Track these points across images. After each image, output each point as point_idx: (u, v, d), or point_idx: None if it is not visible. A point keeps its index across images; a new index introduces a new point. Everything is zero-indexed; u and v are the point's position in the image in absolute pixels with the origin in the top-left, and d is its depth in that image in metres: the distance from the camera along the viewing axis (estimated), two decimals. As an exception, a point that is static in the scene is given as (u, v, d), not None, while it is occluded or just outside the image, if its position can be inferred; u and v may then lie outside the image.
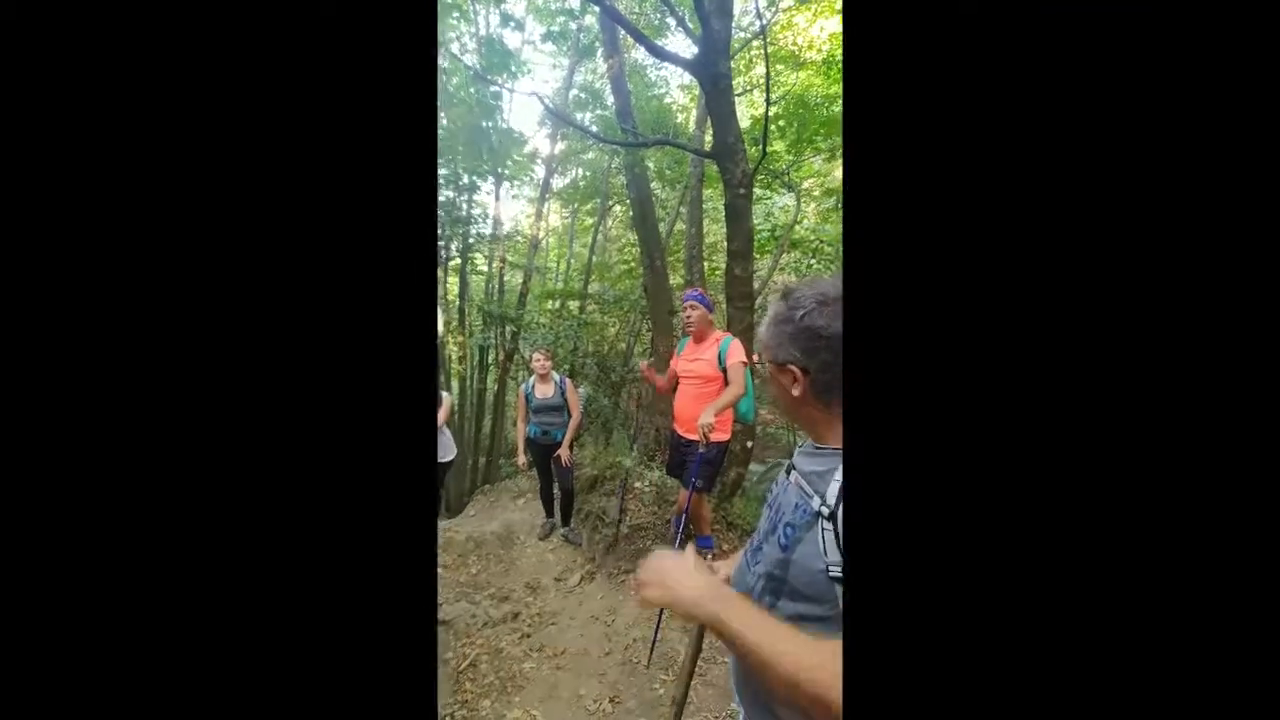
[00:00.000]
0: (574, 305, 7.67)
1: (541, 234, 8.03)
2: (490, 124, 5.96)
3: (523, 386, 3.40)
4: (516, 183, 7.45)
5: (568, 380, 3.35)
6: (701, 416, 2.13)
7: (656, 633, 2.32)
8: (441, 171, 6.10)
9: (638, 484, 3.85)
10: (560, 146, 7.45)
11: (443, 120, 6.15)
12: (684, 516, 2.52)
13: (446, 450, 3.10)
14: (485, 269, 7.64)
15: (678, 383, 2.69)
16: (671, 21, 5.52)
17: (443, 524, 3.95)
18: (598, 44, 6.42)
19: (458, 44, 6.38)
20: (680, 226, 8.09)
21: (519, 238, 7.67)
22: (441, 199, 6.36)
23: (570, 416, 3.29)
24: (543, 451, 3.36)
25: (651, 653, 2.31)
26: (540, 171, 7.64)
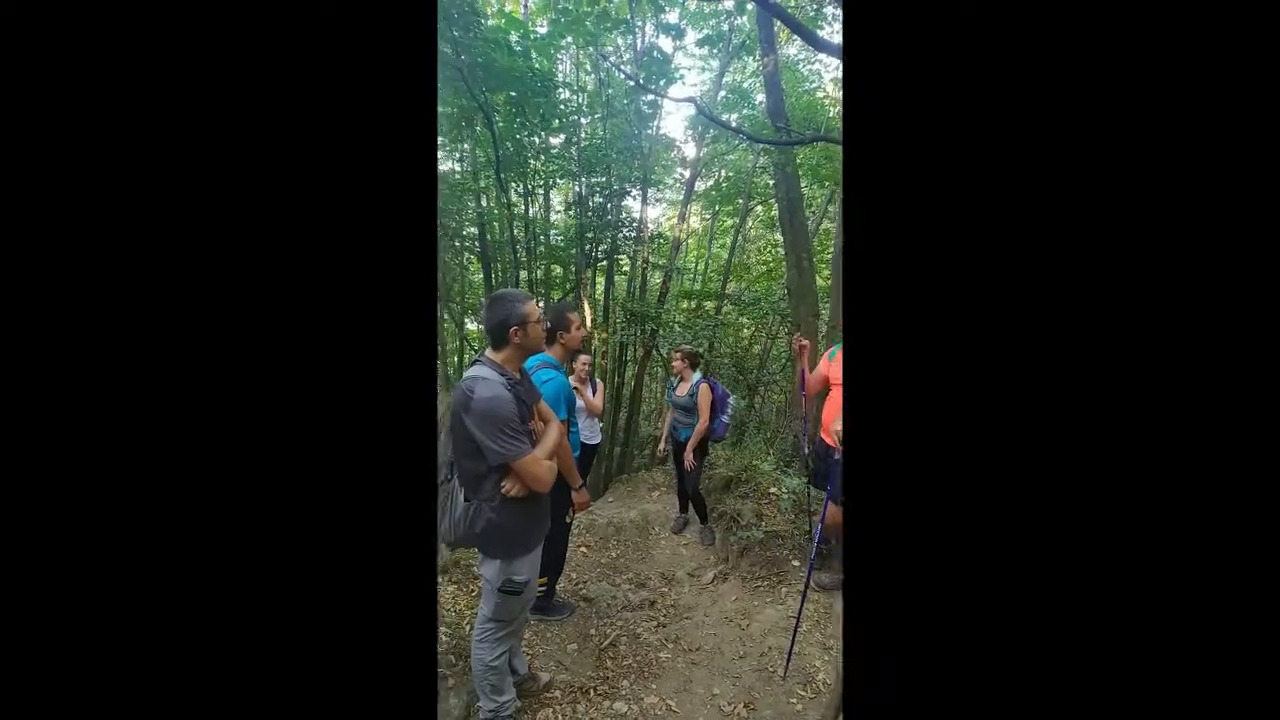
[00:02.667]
0: (709, 305, 7.70)
1: (682, 235, 8.17)
2: (644, 131, 6.19)
3: (669, 382, 3.52)
4: (661, 186, 7.68)
5: (702, 384, 3.36)
6: (834, 424, 2.03)
7: (792, 645, 2.26)
8: (596, 180, 6.48)
9: (773, 489, 3.77)
10: (706, 149, 7.51)
11: (599, 132, 6.54)
12: (823, 528, 2.42)
13: (593, 434, 3.32)
14: (628, 269, 7.98)
15: (828, 389, 2.58)
16: (829, 11, 5.28)
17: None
18: (748, 43, 6.36)
19: (614, 56, 6.72)
20: (826, 225, 7.71)
21: (661, 239, 7.88)
22: (593, 204, 6.77)
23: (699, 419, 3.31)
24: (676, 449, 3.44)
25: (788, 665, 2.26)
26: (683, 174, 7.78)
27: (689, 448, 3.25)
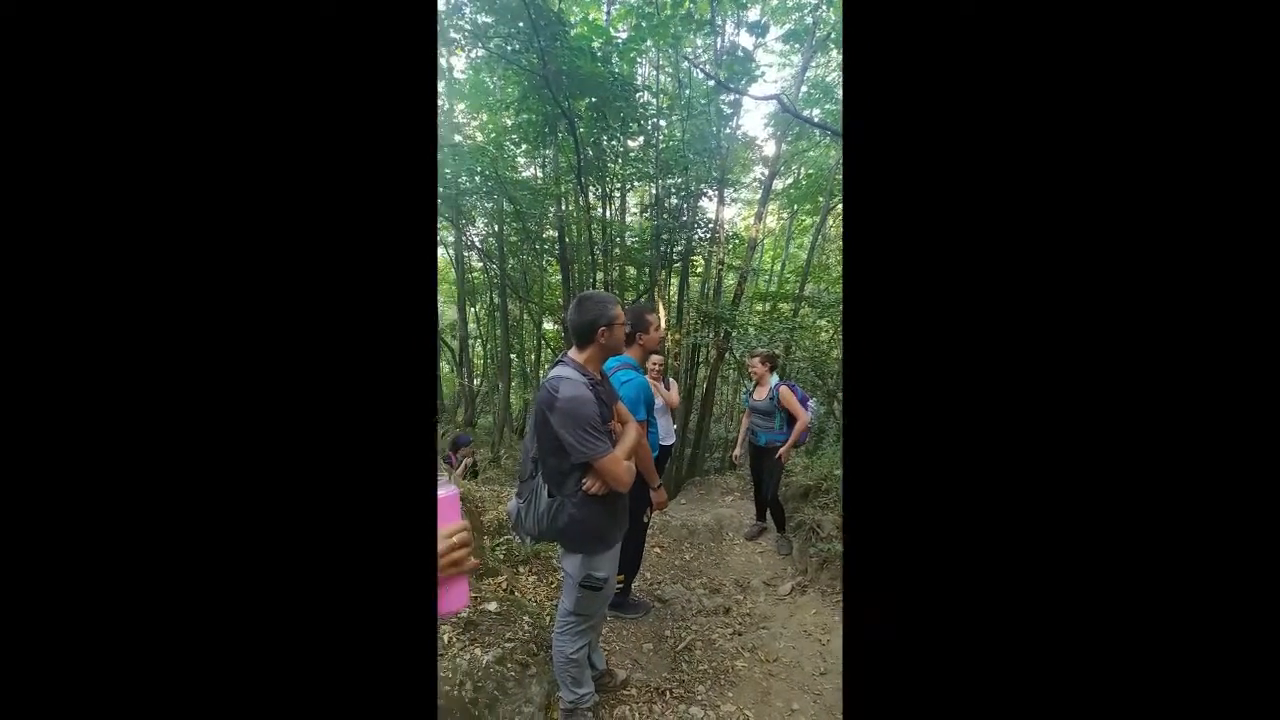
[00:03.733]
0: (785, 308, 7.48)
1: (759, 235, 8.00)
2: (723, 131, 6.13)
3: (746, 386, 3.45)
4: (738, 186, 7.56)
5: (781, 386, 3.27)
6: None
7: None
8: (673, 181, 6.49)
9: (856, 502, 3.59)
10: (786, 147, 7.31)
11: (677, 133, 6.54)
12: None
13: (669, 435, 3.32)
14: (702, 271, 7.93)
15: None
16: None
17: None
18: (833, 36, 6.12)
19: (694, 56, 6.70)
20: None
21: (736, 240, 7.76)
22: (669, 206, 6.78)
23: (784, 422, 3.21)
24: (754, 454, 3.36)
25: (874, 686, 2.14)
26: (761, 172, 7.62)
27: (789, 443, 3.17)
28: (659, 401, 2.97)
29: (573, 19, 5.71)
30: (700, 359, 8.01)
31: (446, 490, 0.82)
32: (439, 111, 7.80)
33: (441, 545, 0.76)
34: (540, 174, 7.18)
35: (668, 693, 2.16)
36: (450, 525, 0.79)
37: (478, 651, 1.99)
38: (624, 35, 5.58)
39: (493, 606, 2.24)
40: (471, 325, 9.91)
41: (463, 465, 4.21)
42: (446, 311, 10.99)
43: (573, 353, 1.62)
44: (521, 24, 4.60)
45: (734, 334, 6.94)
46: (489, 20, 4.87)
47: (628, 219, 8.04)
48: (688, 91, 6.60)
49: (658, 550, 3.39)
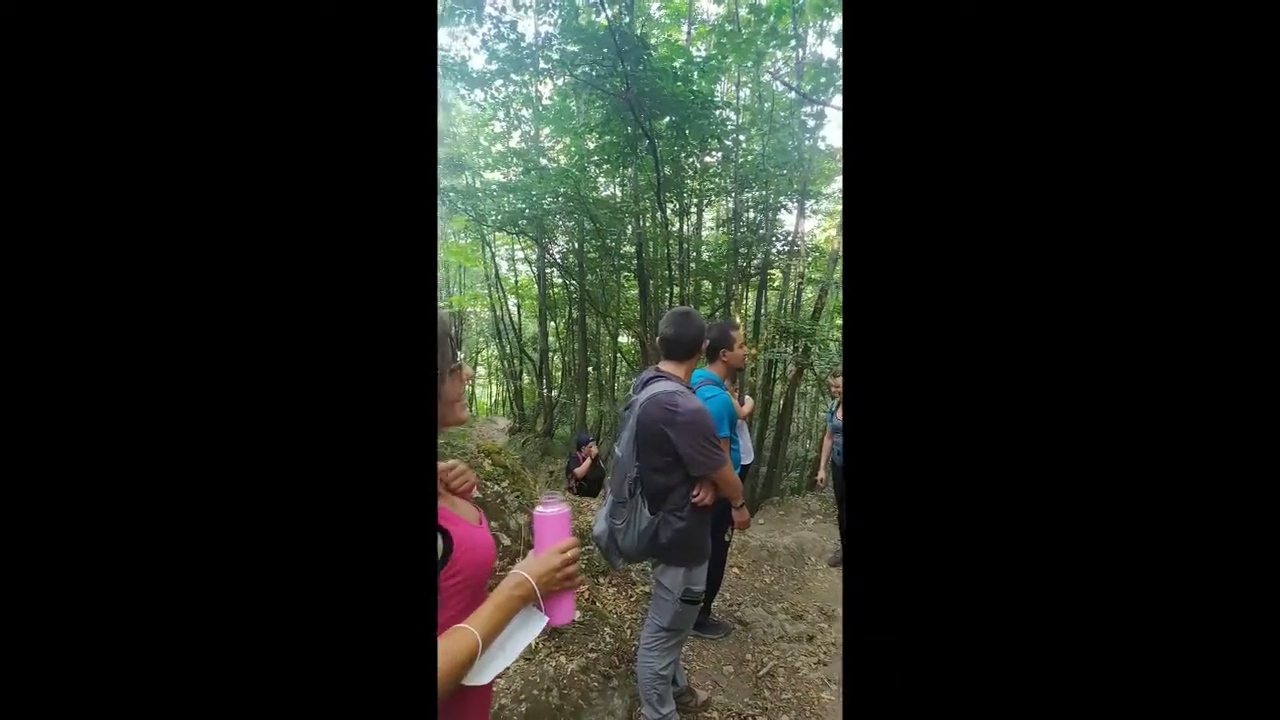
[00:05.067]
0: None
1: (841, 248, 7.73)
2: (805, 142, 6.03)
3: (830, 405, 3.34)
4: (819, 197, 7.37)
5: None
6: None
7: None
8: (751, 195, 6.45)
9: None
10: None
11: (755, 147, 6.50)
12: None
13: (746, 453, 3.25)
14: (780, 285, 7.77)
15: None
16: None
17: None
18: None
19: (774, 69, 6.65)
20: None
21: (817, 252, 7.55)
22: (746, 220, 6.73)
23: None
24: (838, 476, 3.23)
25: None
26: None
27: None
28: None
29: (653, 40, 5.86)
30: (776, 375, 7.82)
31: (560, 508, 0.85)
32: (534, 136, 8.23)
33: (556, 560, 0.80)
34: (619, 193, 7.37)
35: (750, 718, 2.10)
36: (564, 541, 0.83)
37: (562, 659, 2.04)
38: (703, 53, 5.65)
39: (576, 616, 2.29)
40: (551, 339, 10.28)
41: (587, 461, 4.41)
42: (528, 325, 11.49)
43: (669, 366, 1.63)
44: (606, 50, 4.80)
45: (814, 349, 6.73)
46: (574, 49, 5.11)
47: (704, 234, 8.05)
48: (768, 105, 6.55)
49: (736, 571, 3.32)
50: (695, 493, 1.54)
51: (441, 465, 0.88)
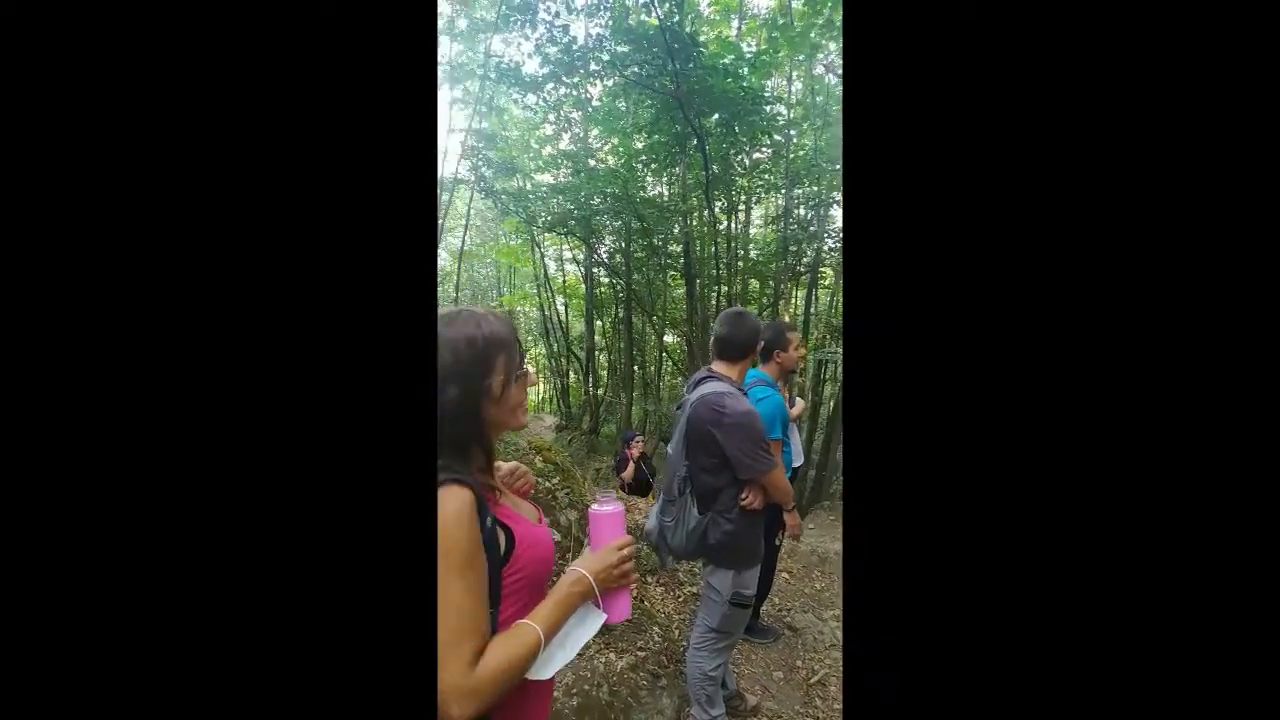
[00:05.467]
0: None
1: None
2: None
3: None
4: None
5: None
6: None
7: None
8: (802, 191, 6.30)
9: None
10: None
11: (807, 142, 6.35)
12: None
13: (796, 456, 3.18)
14: (831, 283, 7.56)
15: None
16: None
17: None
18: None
19: (827, 62, 6.47)
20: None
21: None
22: (797, 217, 6.58)
23: None
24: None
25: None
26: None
27: None
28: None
29: (703, 37, 5.82)
30: (826, 375, 7.61)
31: (615, 506, 0.86)
32: (583, 138, 8.34)
33: (613, 558, 0.81)
34: (666, 191, 7.36)
35: (801, 728, 2.06)
36: (621, 539, 0.84)
37: (612, 656, 2.06)
38: (754, 48, 5.56)
39: (630, 615, 2.31)
40: (598, 338, 10.40)
41: (631, 466, 4.45)
42: (575, 324, 11.65)
43: (721, 367, 1.62)
44: (656, 50, 4.80)
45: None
46: (624, 50, 5.14)
47: (752, 231, 7.93)
48: (820, 99, 6.39)
49: (785, 576, 3.26)
50: (744, 496, 1.52)
51: (505, 467, 0.91)
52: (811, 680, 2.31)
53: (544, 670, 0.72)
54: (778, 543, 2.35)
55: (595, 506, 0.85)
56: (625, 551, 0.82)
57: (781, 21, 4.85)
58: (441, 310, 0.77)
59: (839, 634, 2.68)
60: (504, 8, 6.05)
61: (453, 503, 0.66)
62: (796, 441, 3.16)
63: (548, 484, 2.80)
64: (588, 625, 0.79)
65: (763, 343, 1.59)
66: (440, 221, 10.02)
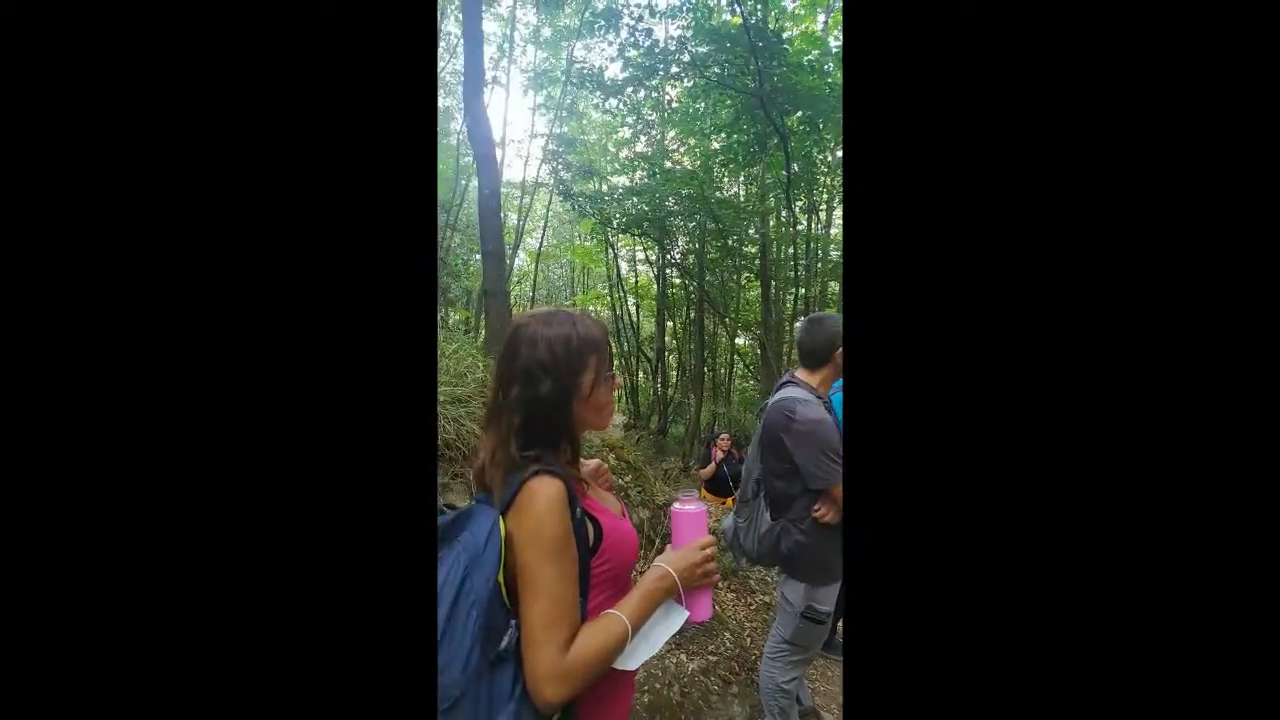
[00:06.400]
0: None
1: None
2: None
3: None
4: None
5: None
6: None
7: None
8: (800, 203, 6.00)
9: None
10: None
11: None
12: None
13: None
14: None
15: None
16: None
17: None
18: None
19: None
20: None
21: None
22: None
23: None
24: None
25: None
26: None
27: None
28: None
29: (786, 34, 5.68)
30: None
31: (698, 505, 0.86)
32: (660, 140, 8.40)
33: (696, 556, 0.80)
34: (744, 192, 7.24)
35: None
36: (704, 539, 0.83)
37: (683, 657, 2.05)
38: (839, 43, 5.35)
39: (711, 614, 2.29)
40: (668, 338, 10.42)
41: (723, 452, 4.38)
42: (645, 325, 11.75)
43: (802, 374, 1.59)
44: (739, 49, 4.73)
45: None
46: (705, 50, 5.11)
47: (833, 232, 7.64)
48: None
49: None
50: (817, 507, 1.47)
51: (589, 465, 0.93)
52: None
53: (630, 661, 0.73)
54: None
55: (678, 505, 0.85)
56: (708, 551, 0.82)
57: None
58: (541, 310, 0.81)
59: (923, 659, 2.51)
60: (588, 14, 6.20)
61: (546, 491, 0.68)
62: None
63: (620, 481, 2.83)
64: (671, 621, 0.79)
65: (839, 347, 1.51)
66: (519, 223, 10.45)
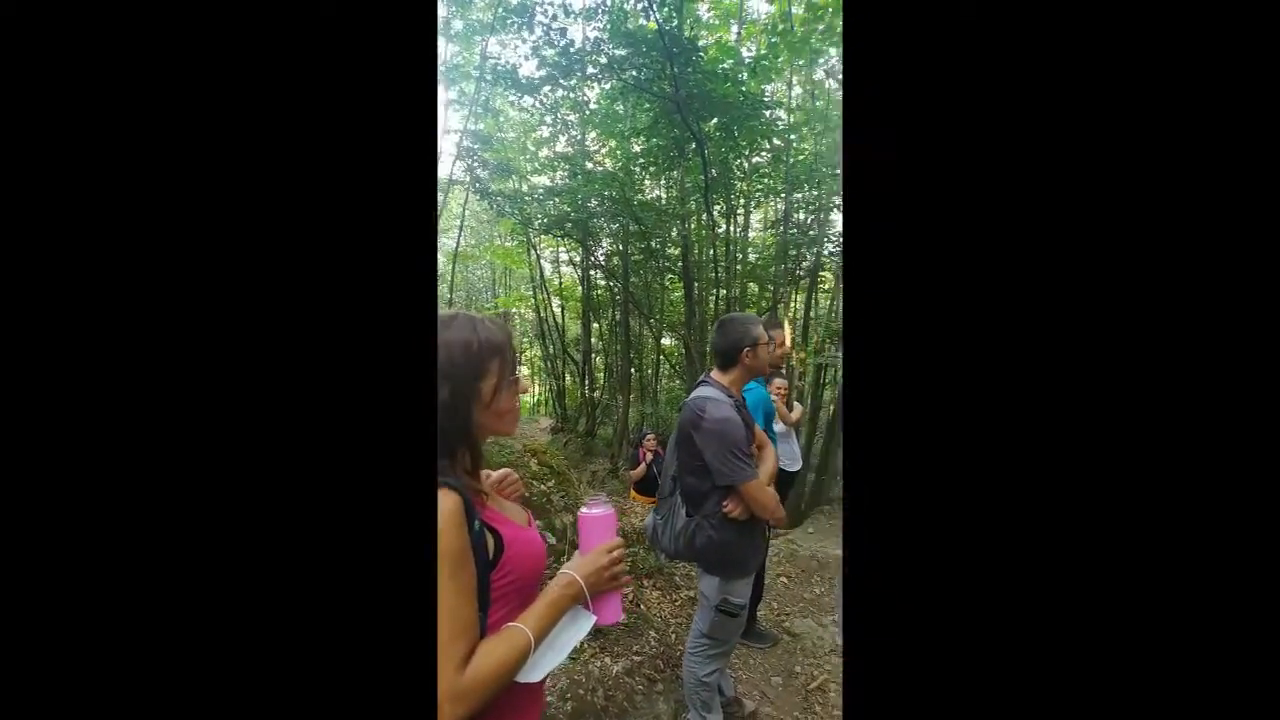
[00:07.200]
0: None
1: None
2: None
3: None
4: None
5: None
6: None
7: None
8: (801, 195, 6.32)
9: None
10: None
11: (806, 147, 6.36)
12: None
13: (793, 460, 3.16)
14: (831, 287, 7.57)
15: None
16: None
17: (785, 535, 4.05)
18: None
19: (828, 67, 6.50)
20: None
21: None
22: (796, 221, 6.59)
23: None
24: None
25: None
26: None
27: None
28: (781, 426, 2.86)
29: (701, 42, 5.83)
30: (826, 380, 7.61)
31: (605, 509, 0.85)
32: (580, 140, 8.34)
33: (603, 560, 0.79)
34: (665, 195, 7.35)
35: (799, 734, 2.03)
36: (610, 541, 0.83)
37: (607, 660, 2.03)
38: (753, 53, 5.57)
39: (623, 617, 2.28)
40: (594, 340, 10.37)
41: (642, 465, 4.32)
42: (571, 327, 11.64)
43: (715, 374, 1.63)
44: (654, 53, 4.80)
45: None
46: (622, 53, 5.14)
47: (750, 235, 7.94)
48: (820, 104, 6.40)
49: (784, 580, 3.23)
50: (726, 503, 1.51)
51: (495, 475, 0.90)
52: (810, 686, 2.28)
53: (534, 673, 0.71)
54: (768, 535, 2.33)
55: (584, 509, 0.85)
56: (615, 554, 0.81)
57: (781, 27, 4.86)
58: (442, 313, 0.76)
59: (839, 639, 2.65)
60: (501, 9, 6.05)
61: (440, 505, 0.65)
62: (794, 446, 3.15)
63: (543, 487, 2.77)
64: (578, 627, 0.78)
65: (745, 348, 1.56)
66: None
